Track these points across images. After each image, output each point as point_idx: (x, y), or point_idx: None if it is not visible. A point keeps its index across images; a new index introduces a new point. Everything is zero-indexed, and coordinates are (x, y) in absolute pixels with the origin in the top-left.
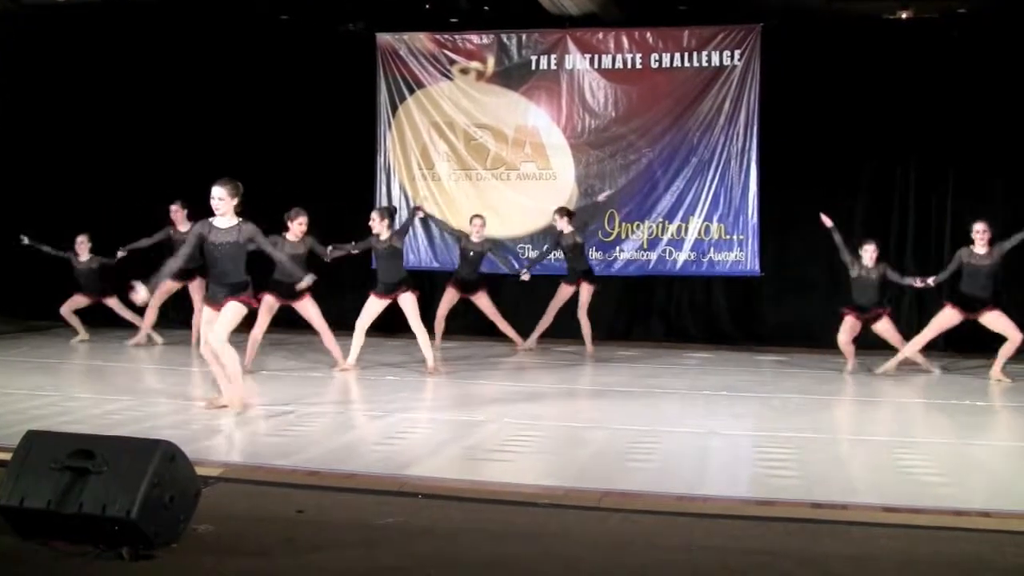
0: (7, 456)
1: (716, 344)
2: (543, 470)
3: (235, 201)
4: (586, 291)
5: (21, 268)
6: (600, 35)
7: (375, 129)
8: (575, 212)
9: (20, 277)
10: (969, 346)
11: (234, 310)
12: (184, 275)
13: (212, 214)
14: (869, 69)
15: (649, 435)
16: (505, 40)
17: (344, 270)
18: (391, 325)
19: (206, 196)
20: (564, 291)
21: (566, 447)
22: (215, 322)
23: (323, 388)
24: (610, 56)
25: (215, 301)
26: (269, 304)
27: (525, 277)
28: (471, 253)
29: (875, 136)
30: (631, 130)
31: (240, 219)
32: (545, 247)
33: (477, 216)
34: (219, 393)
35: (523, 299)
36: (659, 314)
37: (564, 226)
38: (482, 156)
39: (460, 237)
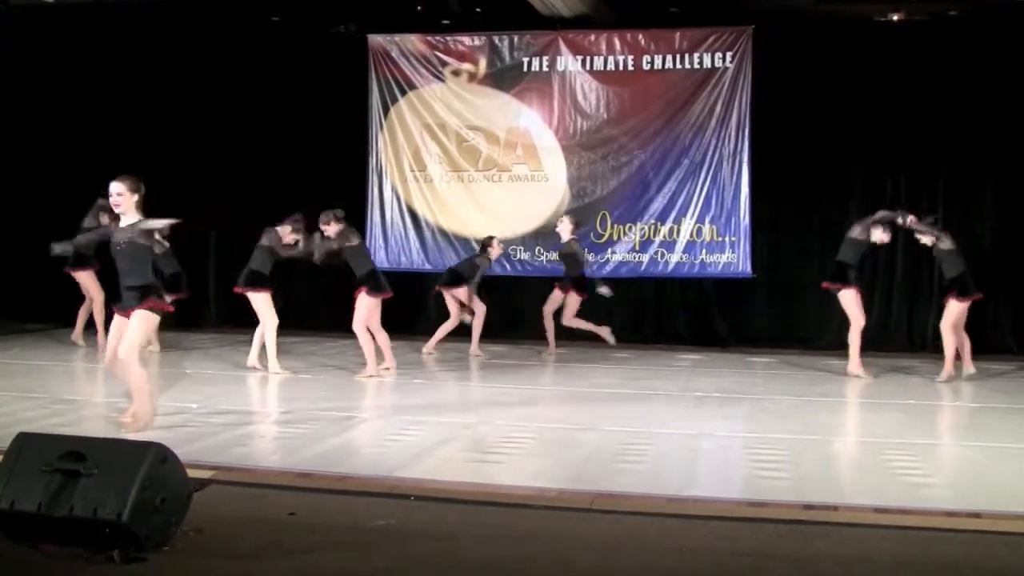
0: None
1: (708, 346)
2: (535, 472)
3: (135, 198)
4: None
5: (13, 271)
6: (592, 37)
7: (367, 131)
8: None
9: (13, 279)
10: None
11: (142, 321)
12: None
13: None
14: (860, 71)
15: (641, 437)
16: (497, 42)
17: None
18: (389, 326)
19: (197, 198)
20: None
21: (558, 449)
22: (121, 332)
23: (315, 390)
24: (602, 58)
25: (124, 308)
26: None
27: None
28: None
29: (866, 138)
30: (623, 132)
31: (141, 217)
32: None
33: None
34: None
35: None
36: (651, 316)
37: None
38: (474, 158)
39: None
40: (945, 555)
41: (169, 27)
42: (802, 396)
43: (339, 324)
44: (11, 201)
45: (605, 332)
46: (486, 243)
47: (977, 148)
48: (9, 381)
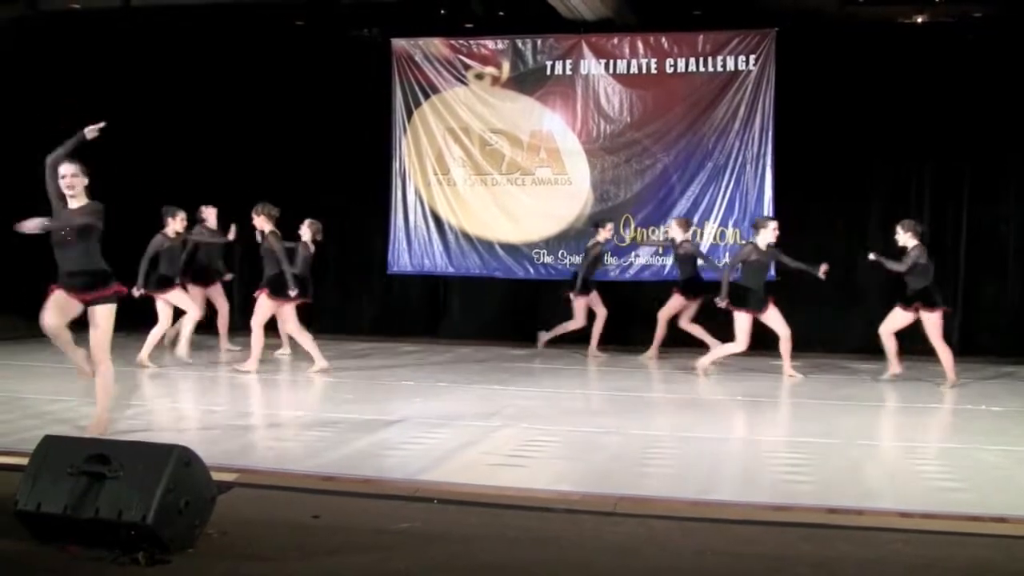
0: (24, 461)
1: None
2: (558, 475)
3: (86, 181)
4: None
5: (37, 273)
6: (615, 40)
7: (391, 134)
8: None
9: (37, 281)
10: (986, 350)
11: (110, 315)
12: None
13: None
14: (884, 73)
15: (665, 440)
16: (520, 45)
17: None
18: (415, 330)
19: (218, 201)
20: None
21: (581, 452)
22: (64, 307)
23: (337, 393)
24: (625, 61)
25: (71, 289)
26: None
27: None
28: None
29: (890, 140)
30: (646, 135)
31: (89, 200)
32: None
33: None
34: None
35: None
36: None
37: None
38: (497, 161)
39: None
40: (969, 559)
41: (193, 32)
42: (825, 399)
43: (358, 326)
44: (38, 201)
45: (716, 347)
46: (597, 224)
47: (1001, 150)
48: (37, 383)
